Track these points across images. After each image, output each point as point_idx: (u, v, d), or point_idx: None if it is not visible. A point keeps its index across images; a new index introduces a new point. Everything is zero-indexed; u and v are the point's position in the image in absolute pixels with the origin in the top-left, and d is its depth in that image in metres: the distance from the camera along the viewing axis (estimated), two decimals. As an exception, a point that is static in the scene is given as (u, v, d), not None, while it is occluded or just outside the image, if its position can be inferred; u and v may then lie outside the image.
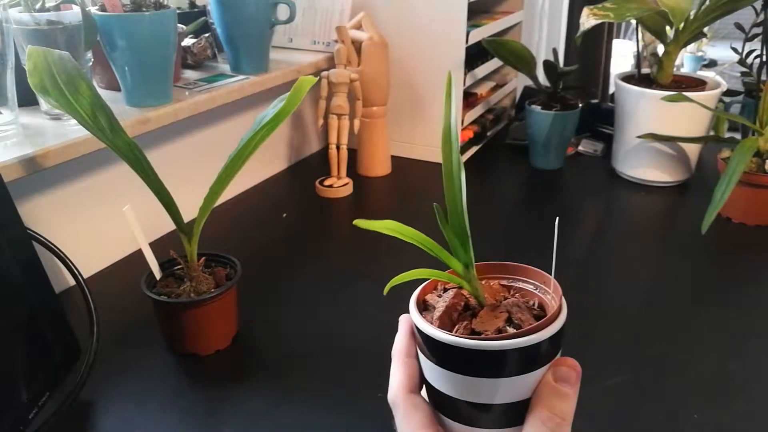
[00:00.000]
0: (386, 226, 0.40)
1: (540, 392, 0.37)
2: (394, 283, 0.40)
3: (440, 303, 0.40)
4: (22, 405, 0.53)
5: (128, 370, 0.66)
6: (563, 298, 0.39)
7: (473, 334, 0.38)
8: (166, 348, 0.69)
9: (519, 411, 0.38)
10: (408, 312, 0.40)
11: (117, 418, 0.60)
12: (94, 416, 0.60)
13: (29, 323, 0.56)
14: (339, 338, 0.70)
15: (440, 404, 0.40)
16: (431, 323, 0.38)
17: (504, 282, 0.44)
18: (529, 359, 0.37)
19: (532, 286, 0.43)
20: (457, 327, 0.39)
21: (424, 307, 0.42)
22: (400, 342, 0.42)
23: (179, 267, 0.69)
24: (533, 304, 0.41)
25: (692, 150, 1.06)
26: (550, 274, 0.41)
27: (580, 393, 0.60)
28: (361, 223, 0.39)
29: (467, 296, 0.41)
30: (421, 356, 0.40)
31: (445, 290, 0.43)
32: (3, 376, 0.52)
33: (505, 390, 0.37)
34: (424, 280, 0.42)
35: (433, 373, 0.39)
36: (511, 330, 0.38)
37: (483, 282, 0.43)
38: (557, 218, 0.40)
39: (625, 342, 0.70)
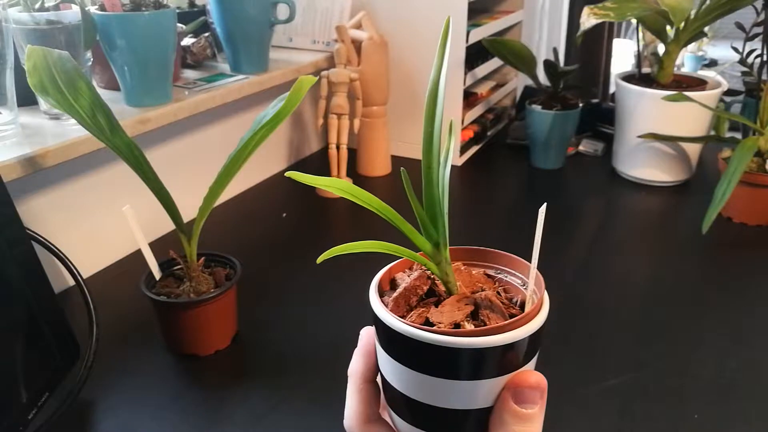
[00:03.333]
0: (336, 185, 0.34)
1: (499, 413, 0.31)
2: (332, 253, 0.34)
3: (400, 285, 0.35)
4: (22, 405, 0.53)
5: (128, 370, 0.66)
6: (546, 296, 0.33)
7: (427, 324, 0.33)
8: (165, 348, 0.69)
9: (479, 421, 0.33)
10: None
11: (116, 418, 0.60)
12: (94, 416, 0.60)
13: (29, 323, 0.56)
14: (338, 338, 0.70)
15: (392, 401, 0.35)
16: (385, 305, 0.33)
17: (491, 272, 0.38)
18: (488, 364, 0.31)
19: (519, 281, 0.37)
20: (411, 313, 0.34)
21: (392, 287, 0.36)
22: (358, 363, 0.37)
23: (179, 267, 0.68)
24: (515, 302, 0.36)
25: (693, 150, 1.06)
26: (535, 267, 0.35)
27: (581, 393, 0.59)
28: (295, 175, 0.33)
29: (436, 281, 0.36)
30: (376, 343, 0.35)
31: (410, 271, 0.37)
32: (2, 376, 0.52)
33: (460, 395, 0.32)
34: (390, 258, 0.36)
35: (386, 364, 0.34)
36: (469, 326, 0.33)
37: (463, 268, 0.37)
38: (544, 205, 0.34)
39: (626, 342, 0.70)
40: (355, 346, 0.38)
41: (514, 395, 0.31)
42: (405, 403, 0.34)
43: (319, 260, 0.34)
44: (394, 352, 0.33)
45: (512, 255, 0.38)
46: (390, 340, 0.33)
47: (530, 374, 0.32)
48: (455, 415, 0.33)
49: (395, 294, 0.35)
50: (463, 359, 0.31)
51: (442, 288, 0.36)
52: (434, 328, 0.32)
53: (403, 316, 0.34)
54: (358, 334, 0.38)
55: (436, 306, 0.35)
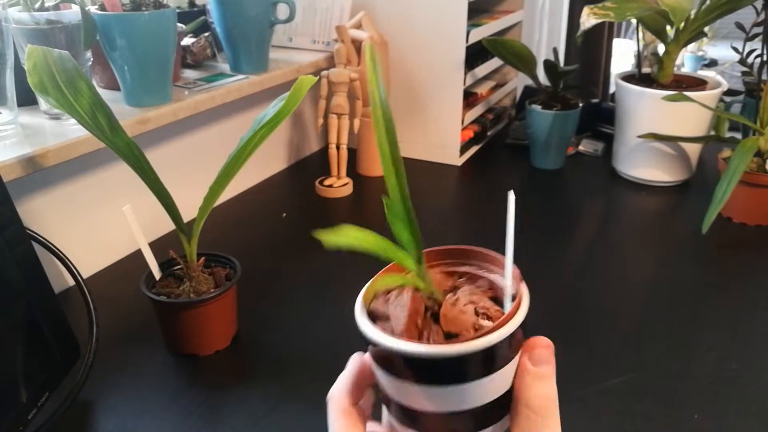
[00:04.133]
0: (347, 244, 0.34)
1: (522, 379, 0.35)
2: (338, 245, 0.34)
3: (396, 311, 0.35)
4: (22, 405, 0.53)
5: (128, 370, 0.66)
6: (525, 288, 0.35)
7: (448, 337, 0.34)
8: (165, 348, 0.69)
9: (501, 405, 0.35)
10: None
11: (116, 419, 0.60)
12: (94, 416, 0.60)
13: (29, 323, 0.56)
14: (339, 338, 0.70)
15: (417, 423, 0.35)
16: (398, 337, 0.32)
17: (446, 270, 0.39)
18: (511, 347, 0.34)
19: (474, 267, 0.38)
20: (426, 334, 0.34)
21: (374, 315, 0.36)
22: (342, 383, 0.37)
23: (179, 267, 0.68)
24: (484, 287, 0.37)
25: (693, 150, 1.06)
26: (510, 260, 0.36)
27: (582, 393, 0.60)
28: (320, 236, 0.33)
29: (423, 296, 0.36)
30: (391, 381, 0.34)
31: (394, 294, 0.37)
32: (2, 376, 0.52)
33: (491, 387, 0.34)
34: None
35: (410, 394, 0.34)
36: (485, 323, 0.34)
37: (435, 273, 0.38)
38: (511, 192, 0.35)
39: (626, 342, 0.70)
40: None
41: (531, 358, 0.35)
42: (436, 420, 0.34)
43: (325, 242, 0.33)
44: (429, 378, 0.33)
45: (492, 252, 0.38)
46: (424, 370, 0.33)
47: (539, 338, 0.36)
48: (484, 408, 0.34)
49: (401, 325, 0.34)
50: (498, 351, 0.33)
51: (428, 301, 0.36)
52: (465, 337, 0.32)
53: (418, 340, 0.33)
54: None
55: (434, 319, 0.35)
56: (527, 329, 0.35)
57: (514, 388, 0.35)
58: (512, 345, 0.34)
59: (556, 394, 0.35)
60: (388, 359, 0.34)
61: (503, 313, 0.34)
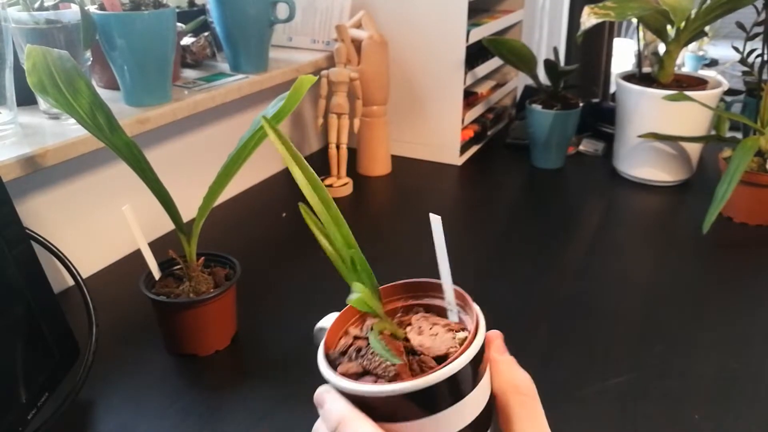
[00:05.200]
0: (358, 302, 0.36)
1: (499, 371, 0.37)
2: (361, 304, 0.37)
3: (374, 360, 0.35)
4: (21, 405, 0.53)
5: (127, 370, 0.66)
6: (479, 311, 0.37)
7: (439, 361, 0.35)
8: (165, 348, 0.69)
9: (488, 412, 0.37)
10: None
11: (116, 419, 0.60)
12: (93, 416, 0.60)
13: (28, 323, 0.56)
14: (339, 338, 0.70)
15: None
16: (402, 379, 0.33)
17: (431, 301, 0.41)
18: (482, 355, 0.36)
19: (400, 302, 0.41)
20: (416, 366, 0.35)
21: (331, 364, 0.37)
22: (342, 404, 0.35)
23: (178, 267, 0.68)
24: (421, 311, 0.40)
25: (693, 149, 1.06)
26: (449, 283, 0.38)
27: (582, 393, 0.60)
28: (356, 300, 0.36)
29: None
30: (409, 425, 0.34)
31: (352, 349, 0.38)
32: (2, 376, 0.52)
33: (482, 393, 0.36)
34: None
35: (431, 426, 0.34)
36: (460, 334, 0.37)
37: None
38: (435, 216, 0.37)
39: (626, 342, 0.69)
40: None
41: (496, 350, 0.38)
42: None
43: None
44: (426, 409, 0.34)
45: (419, 280, 0.40)
46: (421, 402, 0.33)
47: (492, 332, 0.39)
48: (478, 418, 0.36)
49: (393, 369, 0.34)
50: (477, 360, 0.35)
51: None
52: (457, 353, 0.34)
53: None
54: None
55: (414, 354, 0.36)
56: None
57: (494, 383, 0.37)
58: (484, 350, 0.36)
59: (527, 373, 0.38)
60: (392, 408, 0.34)
61: (463, 323, 0.37)
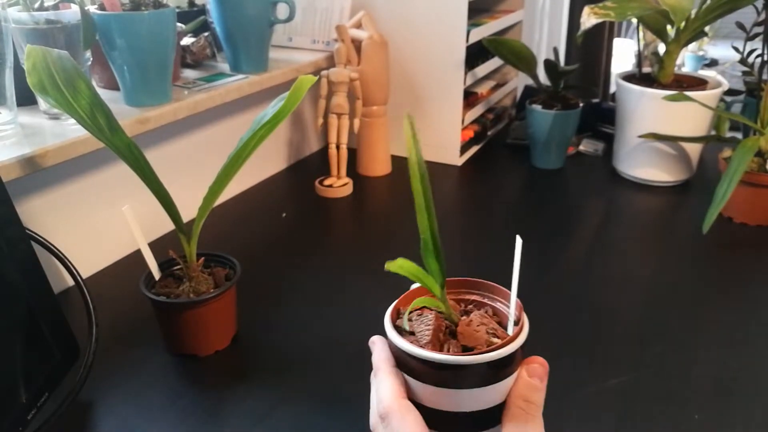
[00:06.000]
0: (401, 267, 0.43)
1: (517, 386, 0.43)
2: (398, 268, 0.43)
3: (421, 327, 0.43)
4: (21, 405, 0.53)
5: (127, 370, 0.66)
6: (525, 318, 0.44)
7: (465, 350, 0.42)
8: (165, 348, 0.69)
9: (496, 414, 0.43)
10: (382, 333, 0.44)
11: (116, 419, 0.60)
12: (93, 417, 0.60)
13: (28, 324, 0.56)
14: (339, 338, 0.70)
15: (437, 424, 0.42)
16: (424, 347, 0.41)
17: (457, 297, 0.48)
18: (513, 362, 0.42)
19: (479, 295, 0.48)
20: (447, 347, 0.42)
21: (400, 328, 0.44)
22: (383, 355, 0.44)
23: (178, 267, 0.68)
24: (490, 312, 0.46)
25: (693, 149, 1.06)
26: (509, 289, 0.45)
27: (582, 393, 0.60)
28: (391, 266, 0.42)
29: (443, 317, 0.45)
30: (418, 384, 0.42)
31: (416, 314, 0.45)
32: (1, 376, 0.52)
33: (494, 394, 0.42)
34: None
35: (426, 395, 0.42)
36: (495, 340, 0.43)
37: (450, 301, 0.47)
38: (518, 237, 0.46)
39: (626, 342, 0.69)
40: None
41: (528, 371, 0.43)
42: (454, 419, 0.42)
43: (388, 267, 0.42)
44: (451, 382, 0.41)
45: (497, 285, 0.48)
46: (449, 374, 0.41)
47: (537, 357, 0.44)
48: (489, 411, 0.43)
49: (427, 337, 0.42)
50: (504, 362, 0.41)
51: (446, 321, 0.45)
52: (479, 350, 0.41)
53: (440, 350, 0.42)
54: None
55: (453, 336, 0.44)
56: (526, 350, 0.43)
57: (510, 392, 0.43)
58: (514, 361, 0.42)
59: (542, 404, 0.43)
60: (412, 365, 0.42)
61: (508, 335, 0.43)
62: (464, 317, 0.45)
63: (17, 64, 0.73)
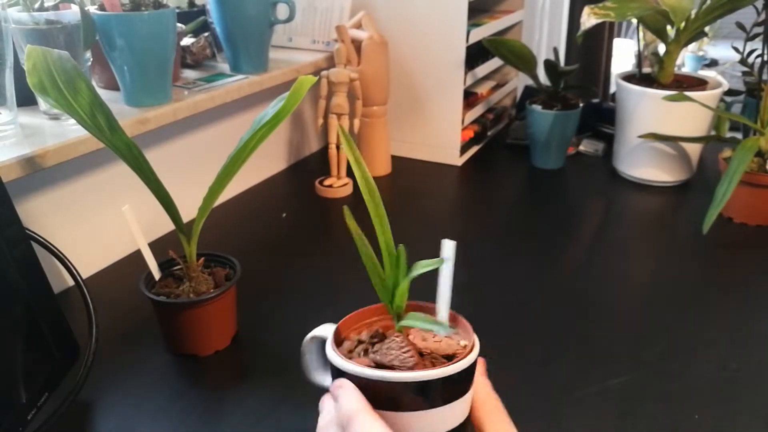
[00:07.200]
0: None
1: (480, 384, 0.44)
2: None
3: (393, 354, 0.41)
4: (21, 406, 0.53)
5: (127, 370, 0.66)
6: (476, 338, 0.43)
7: (448, 359, 0.42)
8: (165, 348, 0.69)
9: (468, 421, 0.43)
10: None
11: (116, 419, 0.60)
12: (93, 417, 0.60)
13: (28, 324, 0.56)
14: (339, 338, 0.70)
15: None
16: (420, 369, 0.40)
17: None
18: (460, 384, 0.41)
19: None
20: (429, 363, 0.41)
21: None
22: (357, 398, 0.40)
23: (178, 267, 0.68)
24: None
25: (693, 150, 1.06)
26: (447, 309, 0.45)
27: (582, 393, 0.60)
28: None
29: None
30: (405, 415, 0.40)
31: (368, 339, 0.44)
32: (1, 376, 0.52)
33: (470, 398, 0.42)
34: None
35: (431, 420, 0.40)
36: (463, 341, 0.43)
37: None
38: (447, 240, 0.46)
39: (626, 342, 0.69)
40: None
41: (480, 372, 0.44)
42: None
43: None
44: (428, 402, 0.40)
45: (430, 304, 0.46)
46: (447, 387, 0.40)
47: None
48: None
49: (412, 360, 0.40)
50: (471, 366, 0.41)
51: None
52: (459, 357, 0.40)
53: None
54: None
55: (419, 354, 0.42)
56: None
57: (478, 392, 0.44)
58: (461, 382, 0.41)
59: None
60: (397, 395, 0.39)
61: (443, 336, 0.44)
62: (416, 334, 0.44)
63: (17, 65, 0.73)
